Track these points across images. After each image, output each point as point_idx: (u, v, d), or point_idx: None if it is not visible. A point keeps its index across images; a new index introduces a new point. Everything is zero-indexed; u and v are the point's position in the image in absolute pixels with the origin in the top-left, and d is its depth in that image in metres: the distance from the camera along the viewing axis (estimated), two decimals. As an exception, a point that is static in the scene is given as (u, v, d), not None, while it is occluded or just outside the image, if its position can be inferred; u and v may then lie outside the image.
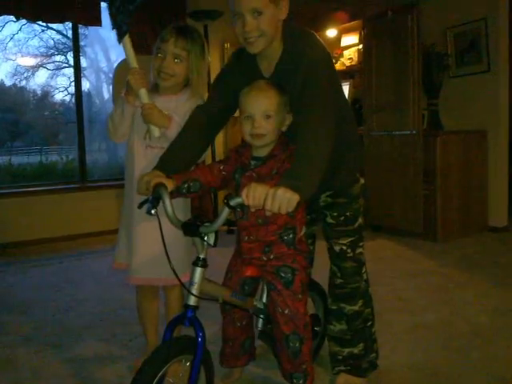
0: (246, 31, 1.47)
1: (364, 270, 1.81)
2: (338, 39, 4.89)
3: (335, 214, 1.75)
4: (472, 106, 4.23)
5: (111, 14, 1.66)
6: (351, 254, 1.76)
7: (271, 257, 1.59)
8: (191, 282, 1.39)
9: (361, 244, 1.79)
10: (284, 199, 1.21)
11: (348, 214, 1.74)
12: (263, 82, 1.56)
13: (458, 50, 4.32)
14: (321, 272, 1.98)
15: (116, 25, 1.64)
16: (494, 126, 4.14)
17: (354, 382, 1.80)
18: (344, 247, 1.75)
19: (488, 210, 4.25)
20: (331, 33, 4.76)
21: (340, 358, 1.82)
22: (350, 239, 1.75)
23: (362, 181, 1.79)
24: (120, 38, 1.66)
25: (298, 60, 1.51)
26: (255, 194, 1.23)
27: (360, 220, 1.77)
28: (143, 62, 1.78)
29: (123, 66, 2.20)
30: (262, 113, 1.48)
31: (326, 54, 1.55)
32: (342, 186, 1.73)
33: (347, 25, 4.53)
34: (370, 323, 1.83)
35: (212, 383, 1.47)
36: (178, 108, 1.75)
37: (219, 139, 4.97)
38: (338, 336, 1.81)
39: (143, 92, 1.68)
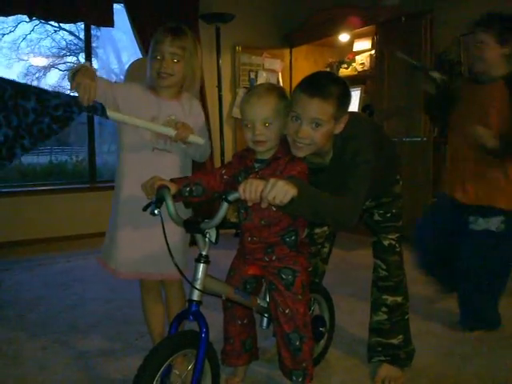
0: (298, 137, 1.50)
1: (403, 265, 1.90)
2: (351, 44, 4.88)
3: (381, 211, 1.85)
4: (483, 113, 4.19)
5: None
6: (399, 249, 1.87)
7: (273, 258, 1.61)
8: (194, 278, 1.42)
9: (400, 240, 1.90)
10: (282, 190, 1.25)
11: (394, 211, 1.86)
12: (263, 87, 1.58)
13: (470, 57, 4.29)
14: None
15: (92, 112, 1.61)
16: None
17: (395, 374, 1.85)
18: (393, 242, 1.86)
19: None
20: (344, 38, 4.75)
21: (380, 348, 1.88)
22: (397, 235, 1.87)
23: (401, 182, 1.91)
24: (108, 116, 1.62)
25: (350, 157, 1.54)
26: (251, 188, 1.26)
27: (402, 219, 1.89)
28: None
29: (135, 65, 2.22)
30: (262, 120, 1.50)
31: (371, 158, 1.56)
32: (383, 188, 1.84)
33: (360, 30, 4.52)
34: (407, 316, 1.91)
35: (218, 378, 1.49)
36: (188, 115, 1.79)
37: (228, 142, 4.98)
38: (377, 327, 1.89)
39: (192, 137, 1.69)
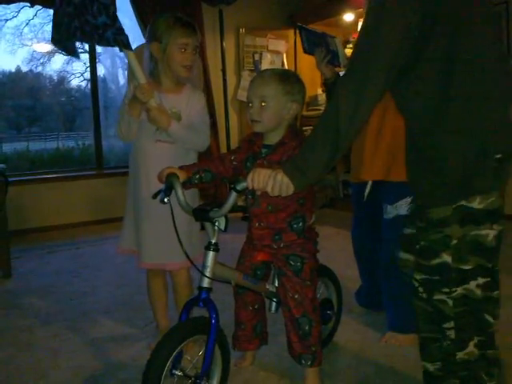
0: None
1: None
2: (356, 23, 4.81)
3: None
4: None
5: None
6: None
7: (281, 245, 1.62)
8: (204, 266, 1.44)
9: None
10: (283, 184, 1.24)
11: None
12: (271, 70, 1.62)
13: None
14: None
15: (114, 42, 1.66)
16: (513, 112, 4.06)
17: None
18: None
19: (505, 197, 4.18)
20: (348, 17, 4.68)
21: None
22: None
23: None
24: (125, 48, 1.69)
25: None
26: (259, 178, 1.26)
27: None
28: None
29: (139, 51, 2.21)
30: (258, 99, 1.53)
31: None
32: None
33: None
34: None
35: (228, 363, 1.52)
36: (191, 108, 1.84)
37: (234, 126, 4.95)
38: None
39: (152, 101, 1.73)
